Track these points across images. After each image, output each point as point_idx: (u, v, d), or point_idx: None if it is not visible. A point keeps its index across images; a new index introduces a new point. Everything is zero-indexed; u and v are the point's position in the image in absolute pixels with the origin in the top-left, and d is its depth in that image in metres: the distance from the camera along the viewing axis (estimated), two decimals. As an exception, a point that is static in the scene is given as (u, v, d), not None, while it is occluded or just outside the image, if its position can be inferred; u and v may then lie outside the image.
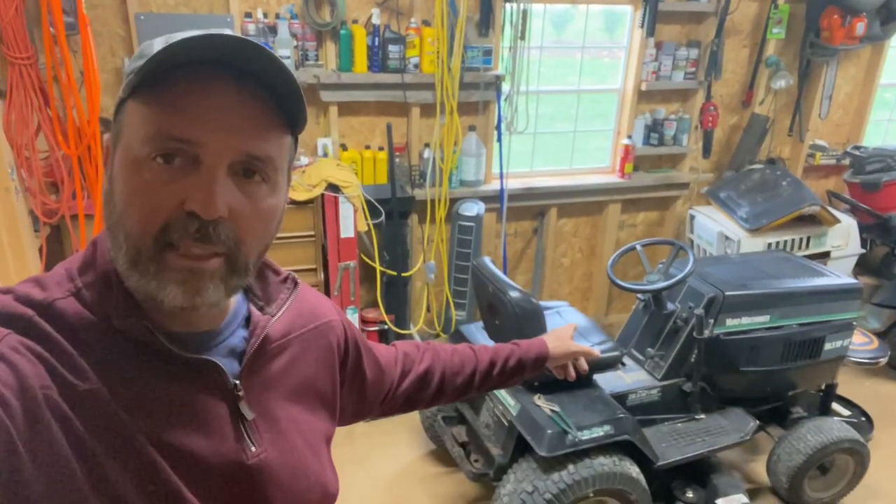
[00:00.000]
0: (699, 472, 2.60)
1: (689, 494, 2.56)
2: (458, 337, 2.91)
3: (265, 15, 3.04)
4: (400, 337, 3.60)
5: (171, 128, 0.62)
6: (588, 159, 4.17)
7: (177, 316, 0.70)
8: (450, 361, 1.14)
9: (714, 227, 3.78)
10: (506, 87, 3.49)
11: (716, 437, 2.58)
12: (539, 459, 2.25)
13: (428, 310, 3.79)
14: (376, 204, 3.27)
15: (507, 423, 2.45)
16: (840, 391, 3.08)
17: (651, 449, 2.41)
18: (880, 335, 3.60)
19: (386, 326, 3.55)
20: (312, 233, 3.10)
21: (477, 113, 3.57)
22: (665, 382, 2.67)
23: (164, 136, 0.62)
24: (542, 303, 2.66)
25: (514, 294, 2.38)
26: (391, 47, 3.18)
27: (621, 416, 2.34)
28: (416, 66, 3.26)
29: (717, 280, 2.67)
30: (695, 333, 2.55)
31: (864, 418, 3.25)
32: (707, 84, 3.89)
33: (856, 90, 4.34)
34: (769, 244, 3.60)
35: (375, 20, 3.16)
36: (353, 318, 3.33)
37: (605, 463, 2.26)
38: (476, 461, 2.62)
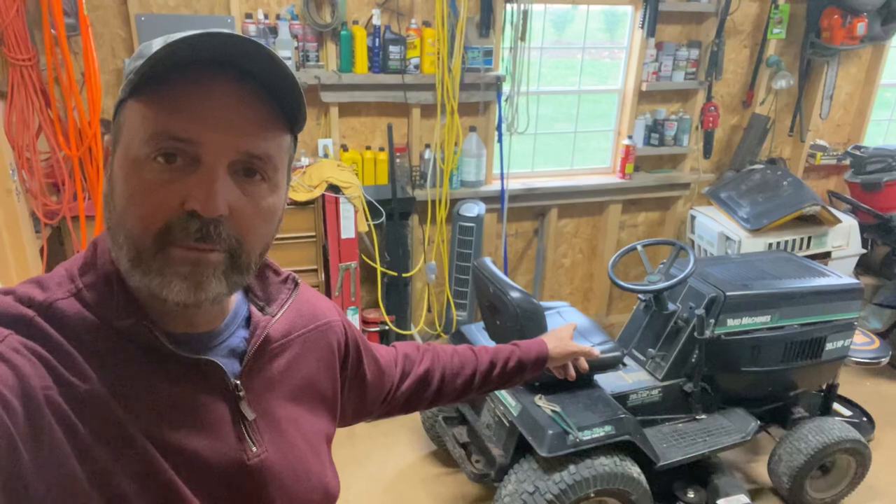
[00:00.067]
0: (700, 472, 2.60)
1: (691, 495, 2.56)
2: (458, 337, 2.91)
3: (266, 16, 3.04)
4: (401, 337, 3.60)
5: (171, 127, 0.62)
6: (589, 160, 4.17)
7: (178, 315, 0.71)
8: (450, 362, 1.14)
9: (715, 227, 3.78)
10: (506, 87, 3.49)
11: (717, 438, 2.58)
12: (540, 460, 2.25)
13: (429, 310, 3.80)
14: (377, 205, 3.27)
15: (508, 424, 2.45)
16: (841, 391, 3.08)
17: (652, 449, 2.41)
18: (881, 335, 3.60)
19: (387, 327, 3.55)
20: (313, 233, 3.10)
21: (477, 113, 3.57)
22: (666, 383, 2.67)
23: (164, 136, 0.63)
24: (543, 303, 2.66)
25: (514, 294, 2.38)
26: (392, 48, 3.19)
27: (622, 416, 2.34)
28: (417, 66, 3.26)
29: (718, 280, 2.67)
30: (696, 334, 2.55)
31: (865, 418, 3.25)
32: (708, 84, 3.89)
33: (856, 90, 4.34)
34: (770, 244, 3.60)
35: (376, 21, 3.16)
36: (353, 318, 3.33)
37: (606, 463, 2.26)
38: (477, 462, 2.62)
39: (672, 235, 4.22)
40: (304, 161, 3.17)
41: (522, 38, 3.34)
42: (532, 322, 2.35)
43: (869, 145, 4.10)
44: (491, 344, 1.27)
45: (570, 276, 4.23)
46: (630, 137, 3.90)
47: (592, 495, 2.25)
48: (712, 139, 4.03)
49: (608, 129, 4.09)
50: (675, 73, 3.82)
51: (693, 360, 2.61)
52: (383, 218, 3.31)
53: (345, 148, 3.36)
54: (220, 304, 0.74)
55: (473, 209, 3.50)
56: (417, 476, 2.98)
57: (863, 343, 3.24)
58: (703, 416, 2.68)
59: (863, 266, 4.08)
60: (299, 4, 3.06)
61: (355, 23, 3.19)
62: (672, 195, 4.14)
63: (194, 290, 0.65)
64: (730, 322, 2.59)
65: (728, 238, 3.69)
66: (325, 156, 3.28)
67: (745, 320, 2.62)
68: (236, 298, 0.79)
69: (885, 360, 3.22)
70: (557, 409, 2.30)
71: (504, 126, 3.54)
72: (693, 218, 3.99)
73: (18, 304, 0.65)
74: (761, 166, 4.00)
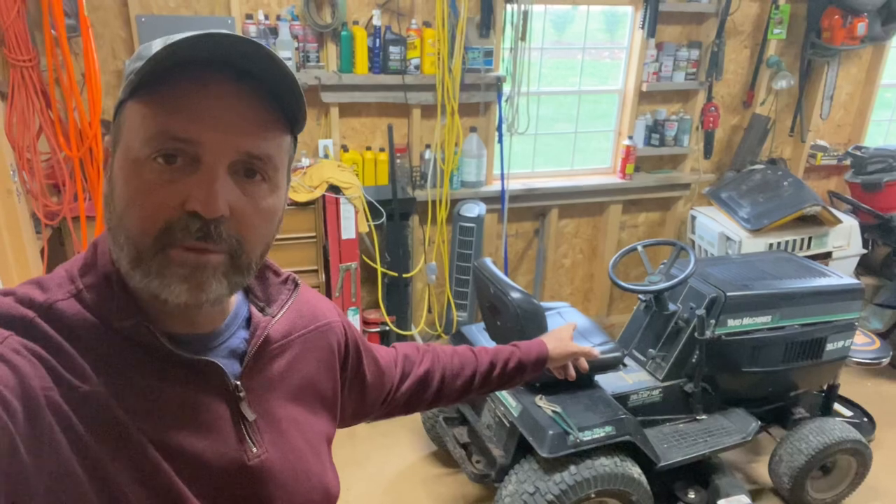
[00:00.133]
0: (701, 472, 2.60)
1: (691, 495, 2.56)
2: (459, 338, 2.91)
3: (266, 16, 3.04)
4: (401, 338, 3.60)
5: (171, 128, 0.62)
6: (589, 160, 4.17)
7: (178, 316, 0.71)
8: (449, 363, 1.14)
9: (715, 227, 3.78)
10: (507, 88, 3.49)
11: (718, 438, 2.58)
12: (541, 460, 2.25)
13: (429, 311, 3.79)
14: (377, 205, 3.27)
15: (508, 424, 2.45)
16: (842, 392, 3.07)
17: (653, 450, 2.41)
18: (882, 335, 3.59)
19: (387, 327, 3.55)
20: (314, 234, 3.10)
21: (478, 114, 3.57)
22: (667, 383, 2.66)
23: (164, 137, 0.63)
24: (544, 304, 2.66)
25: (515, 295, 2.38)
26: (392, 48, 3.19)
27: (623, 416, 2.34)
28: (417, 67, 3.26)
29: (718, 281, 2.67)
30: (696, 334, 2.55)
31: (865, 419, 3.25)
32: (708, 84, 3.89)
33: (857, 90, 4.34)
34: (770, 245, 3.60)
35: (376, 21, 3.17)
36: (354, 319, 3.33)
37: (606, 464, 2.26)
38: (478, 462, 2.62)
39: (672, 236, 4.22)
40: (305, 161, 3.17)
41: (523, 39, 3.34)
42: (532, 322, 2.35)
43: (869, 145, 4.10)
44: (491, 344, 1.27)
45: (570, 276, 4.23)
46: (630, 138, 3.90)
47: (593, 496, 2.25)
48: (713, 139, 4.03)
49: (608, 129, 4.09)
50: (676, 74, 3.82)
51: (694, 360, 2.61)
52: (384, 218, 3.32)
53: (345, 148, 3.36)
54: (221, 304, 0.74)
55: (474, 209, 3.50)
56: (418, 476, 2.98)
57: (863, 343, 3.24)
58: (704, 417, 2.68)
59: (863, 266, 4.08)
60: (299, 5, 3.06)
61: (355, 23, 3.19)
62: (672, 195, 4.14)
63: (194, 291, 0.65)
64: (730, 322, 2.59)
65: (728, 238, 3.69)
66: (326, 156, 3.29)
67: (746, 321, 2.62)
68: (236, 299, 0.79)
69: (885, 361, 3.22)
70: (558, 409, 2.30)
71: (504, 126, 3.54)
72: (693, 218, 3.99)
73: (19, 305, 0.65)
74: (762, 167, 4.00)
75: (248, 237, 0.68)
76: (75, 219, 2.70)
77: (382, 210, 3.29)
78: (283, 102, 0.69)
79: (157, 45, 0.62)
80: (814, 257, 3.49)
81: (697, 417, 2.68)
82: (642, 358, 2.80)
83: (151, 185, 0.63)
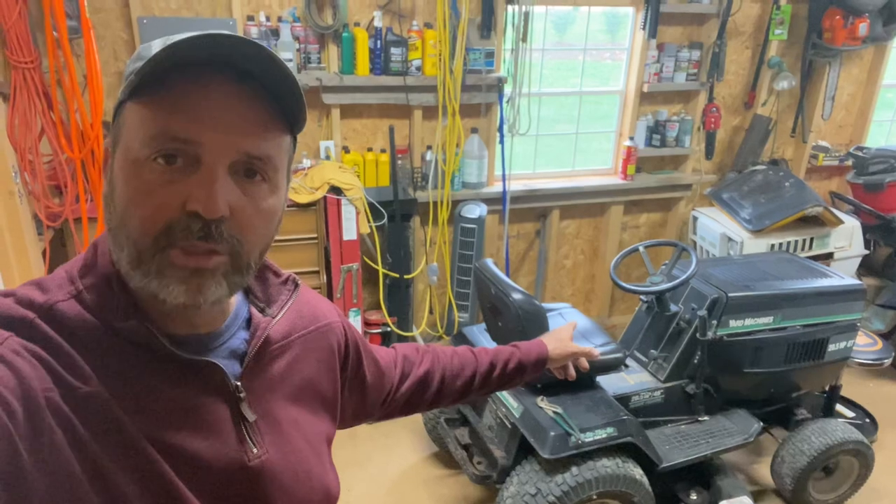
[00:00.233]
0: (703, 473, 2.59)
1: (693, 496, 2.55)
2: (460, 339, 2.91)
3: (267, 18, 3.05)
4: (402, 339, 3.60)
5: (171, 128, 0.63)
6: (590, 161, 4.17)
7: (178, 317, 0.71)
8: (449, 364, 1.14)
9: (717, 228, 3.77)
10: (508, 89, 3.49)
11: (719, 439, 2.58)
12: (542, 461, 2.25)
13: (430, 312, 3.79)
14: (379, 206, 3.27)
15: (510, 426, 2.45)
16: (844, 392, 3.07)
17: (654, 451, 2.41)
18: (884, 336, 3.59)
19: (388, 329, 3.55)
20: (315, 235, 3.10)
21: (479, 115, 3.57)
22: (668, 384, 2.66)
23: (164, 137, 0.63)
24: (545, 304, 2.65)
25: (516, 296, 2.38)
26: (393, 50, 3.19)
27: (624, 417, 2.33)
28: (419, 68, 3.26)
29: (720, 281, 2.66)
30: (698, 335, 2.55)
31: (868, 420, 3.24)
32: (709, 85, 3.89)
33: (858, 91, 4.34)
34: (772, 245, 3.60)
35: (377, 23, 3.17)
36: (355, 320, 3.33)
37: (608, 465, 2.25)
38: (479, 463, 2.62)
39: (674, 236, 4.22)
40: (306, 163, 3.17)
41: (524, 40, 3.35)
42: (534, 323, 2.35)
43: (871, 146, 4.10)
44: (493, 345, 1.27)
45: (571, 277, 4.23)
46: (632, 139, 3.90)
47: (595, 497, 2.25)
48: (714, 140, 4.02)
49: (610, 130, 4.09)
50: (677, 75, 3.82)
51: (695, 361, 2.61)
52: (385, 219, 3.32)
53: (346, 150, 3.36)
54: (221, 305, 0.74)
55: (475, 210, 3.50)
56: (419, 477, 2.98)
57: (865, 344, 3.24)
58: (706, 418, 2.68)
59: (865, 267, 4.07)
60: (301, 6, 3.06)
61: (357, 24, 3.19)
62: (674, 196, 4.14)
63: (193, 293, 0.65)
64: (732, 323, 2.59)
65: (730, 239, 3.68)
66: (327, 157, 3.29)
67: (748, 321, 2.61)
68: (237, 300, 0.79)
69: (887, 362, 3.22)
70: (559, 410, 2.30)
71: (505, 127, 3.54)
72: (695, 219, 3.98)
73: (19, 306, 0.65)
74: (763, 167, 4.00)
75: (248, 237, 0.68)
76: (77, 220, 2.70)
77: (384, 211, 3.29)
78: (283, 103, 0.69)
79: (156, 45, 0.62)
80: (815, 258, 3.48)
81: (699, 418, 2.67)
82: (644, 359, 2.79)
83: (152, 186, 0.63)
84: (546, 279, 4.10)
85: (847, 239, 3.79)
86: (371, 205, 3.23)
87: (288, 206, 0.76)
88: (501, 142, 3.57)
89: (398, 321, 3.58)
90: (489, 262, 2.65)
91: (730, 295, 2.57)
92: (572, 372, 1.29)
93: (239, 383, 0.75)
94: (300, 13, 3.08)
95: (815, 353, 2.73)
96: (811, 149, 4.28)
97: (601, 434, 2.26)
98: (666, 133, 3.93)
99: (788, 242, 3.64)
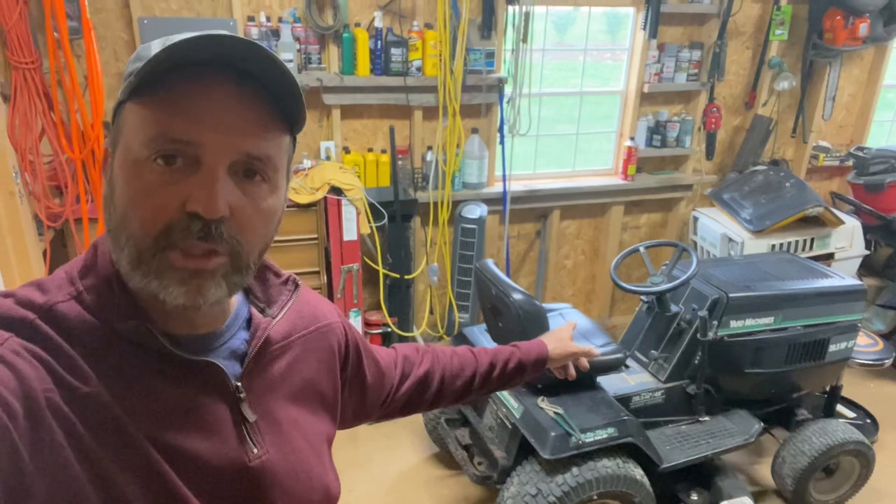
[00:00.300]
0: (703, 474, 2.59)
1: (694, 497, 2.55)
2: (461, 339, 2.91)
3: (268, 18, 3.05)
4: (403, 340, 3.60)
5: (171, 129, 0.63)
6: (591, 161, 4.17)
7: (178, 317, 0.71)
8: (449, 364, 1.14)
9: (717, 228, 3.77)
10: (508, 89, 3.49)
11: (720, 440, 2.58)
12: (543, 462, 2.25)
13: (431, 312, 3.79)
14: (379, 207, 3.27)
15: (510, 426, 2.44)
16: (845, 393, 3.07)
17: (655, 451, 2.41)
18: (885, 337, 3.59)
19: (389, 329, 3.55)
20: (315, 236, 3.10)
21: (479, 115, 3.57)
22: (669, 384, 2.66)
23: (164, 138, 0.63)
24: (545, 305, 2.65)
25: (517, 296, 2.38)
26: (394, 50, 3.19)
27: (625, 418, 2.33)
28: (419, 69, 3.26)
29: (720, 282, 2.66)
30: (699, 335, 2.55)
31: (868, 420, 3.24)
32: (710, 86, 3.89)
33: (859, 91, 4.33)
34: (773, 246, 3.60)
35: (378, 23, 3.17)
36: (355, 320, 3.33)
37: (608, 465, 2.25)
38: (479, 464, 2.62)
39: (674, 237, 4.22)
40: (306, 163, 3.17)
41: (524, 40, 3.35)
42: (534, 324, 2.35)
43: (872, 146, 4.10)
44: (493, 346, 1.27)
45: (572, 277, 4.23)
46: (632, 139, 3.89)
47: (595, 498, 2.25)
48: (715, 140, 4.02)
49: (610, 130, 4.09)
50: (678, 75, 3.82)
51: (696, 361, 2.61)
52: (385, 220, 3.32)
53: (347, 150, 3.36)
54: (221, 306, 0.74)
55: (475, 211, 3.50)
56: (420, 478, 2.98)
57: (866, 345, 3.23)
58: (706, 418, 2.68)
59: (866, 267, 4.07)
60: (301, 7, 3.06)
61: (357, 25, 3.19)
62: (674, 196, 4.13)
63: (192, 294, 0.65)
64: (733, 324, 2.59)
65: (731, 239, 3.68)
66: (328, 158, 3.29)
67: (749, 322, 2.61)
68: (237, 300, 0.79)
69: (888, 362, 3.22)
70: (560, 411, 2.30)
71: (506, 128, 3.54)
72: (696, 219, 3.98)
73: (19, 307, 0.65)
74: (764, 168, 4.00)
75: (247, 237, 0.68)
76: (77, 220, 2.70)
77: (384, 211, 3.29)
78: (282, 103, 0.69)
79: (156, 45, 0.62)
80: (816, 258, 3.48)
81: (700, 419, 2.67)
82: (644, 359, 2.79)
83: (152, 187, 0.63)
84: (546, 279, 4.10)
85: (848, 239, 3.79)
86: (371, 205, 3.23)
87: (288, 207, 0.77)
88: (502, 142, 3.57)
89: (399, 322, 3.58)
90: (490, 262, 2.65)
91: (730, 295, 2.57)
92: (572, 371, 1.29)
93: (239, 383, 0.75)
94: (301, 14, 3.08)
95: (816, 354, 2.72)
96: (812, 149, 4.28)
97: (602, 434, 2.26)
98: (666, 133, 3.93)
99: (789, 243, 3.64)
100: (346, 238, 3.16)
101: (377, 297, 3.54)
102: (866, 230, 3.87)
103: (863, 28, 3.75)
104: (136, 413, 0.66)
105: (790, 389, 2.84)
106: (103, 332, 0.67)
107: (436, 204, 3.51)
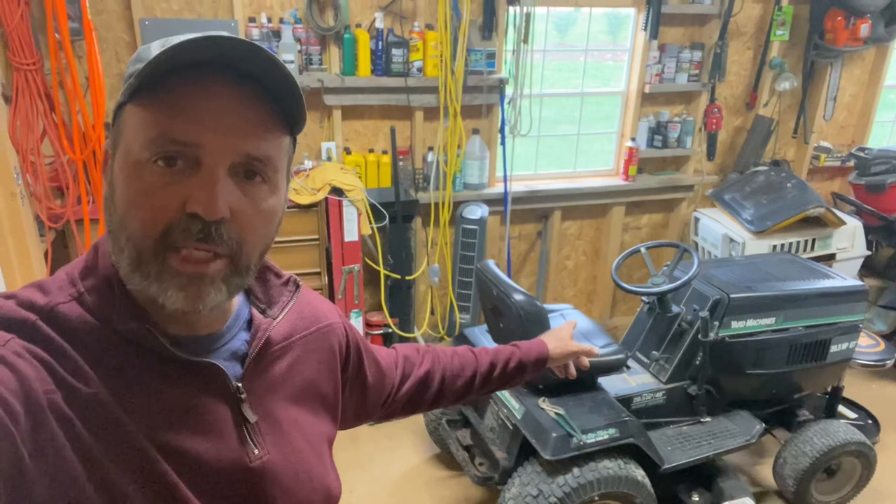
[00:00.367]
0: (705, 475, 2.59)
1: (695, 498, 2.55)
2: (462, 340, 2.91)
3: (269, 19, 3.05)
4: (404, 340, 3.60)
5: (171, 131, 0.63)
6: (592, 162, 4.17)
7: (179, 319, 0.71)
8: (450, 364, 1.14)
9: (719, 229, 3.77)
10: (509, 90, 3.50)
11: (721, 440, 2.57)
12: (544, 463, 2.24)
13: (432, 313, 3.79)
14: (380, 207, 3.27)
15: (511, 427, 2.44)
16: (846, 394, 3.06)
17: (656, 452, 2.40)
18: (886, 337, 3.58)
19: (390, 330, 3.55)
20: (316, 236, 3.10)
21: (480, 116, 3.57)
22: (670, 385, 2.66)
23: (164, 139, 0.63)
24: (547, 305, 2.65)
25: (518, 297, 2.38)
26: (395, 51, 3.19)
27: (626, 419, 2.33)
28: (420, 69, 3.26)
29: (722, 282, 2.66)
30: (700, 336, 2.55)
31: (870, 421, 3.24)
32: (711, 86, 3.89)
33: (860, 92, 4.33)
34: (774, 246, 3.59)
35: (379, 24, 3.17)
36: (356, 321, 3.33)
37: (610, 466, 2.25)
38: (481, 465, 2.62)
39: (676, 237, 4.21)
40: (308, 164, 3.18)
41: (525, 41, 3.35)
42: (535, 324, 2.35)
43: (873, 147, 4.09)
44: (494, 346, 1.27)
45: (573, 278, 4.23)
46: (633, 139, 3.89)
47: (596, 498, 2.25)
48: (716, 141, 4.02)
49: (611, 131, 4.09)
50: (679, 76, 3.82)
51: (697, 362, 2.61)
52: (386, 221, 3.32)
53: (348, 151, 3.36)
54: (221, 308, 0.74)
55: (476, 212, 3.50)
56: (421, 479, 2.98)
57: (868, 345, 3.23)
58: (708, 419, 2.67)
59: (867, 268, 4.07)
60: (302, 8, 3.07)
61: (358, 26, 3.20)
62: (675, 197, 4.13)
63: (192, 299, 0.65)
64: (734, 324, 2.59)
65: (732, 240, 3.68)
66: (329, 159, 3.29)
67: (750, 322, 2.61)
68: (238, 301, 0.79)
69: (890, 363, 3.21)
70: (561, 411, 2.30)
71: (507, 128, 3.54)
72: (697, 220, 3.98)
73: (20, 308, 0.65)
74: (765, 168, 3.99)
75: (248, 239, 0.68)
76: (79, 221, 2.70)
77: (385, 212, 3.29)
78: (282, 104, 0.69)
79: (156, 47, 0.63)
80: (817, 259, 3.48)
81: (701, 420, 2.67)
82: (646, 360, 2.79)
83: (152, 188, 0.63)
84: (547, 280, 4.10)
85: (849, 240, 3.79)
86: (372, 206, 3.23)
87: (289, 208, 0.76)
88: (503, 143, 3.57)
89: (399, 322, 3.58)
90: (491, 263, 2.65)
91: (732, 296, 2.57)
92: (573, 371, 1.29)
93: (240, 384, 0.75)
94: (301, 14, 3.08)
95: (818, 355, 2.72)
96: (813, 149, 4.28)
97: (603, 435, 2.26)
98: (667, 134, 3.92)
99: (790, 243, 3.64)
100: (347, 239, 3.16)
101: (378, 298, 3.54)
102: (867, 231, 3.87)
103: (864, 29, 3.75)
104: (137, 414, 0.66)
105: (791, 390, 2.83)
106: (104, 333, 0.67)
107: (437, 205, 3.52)
